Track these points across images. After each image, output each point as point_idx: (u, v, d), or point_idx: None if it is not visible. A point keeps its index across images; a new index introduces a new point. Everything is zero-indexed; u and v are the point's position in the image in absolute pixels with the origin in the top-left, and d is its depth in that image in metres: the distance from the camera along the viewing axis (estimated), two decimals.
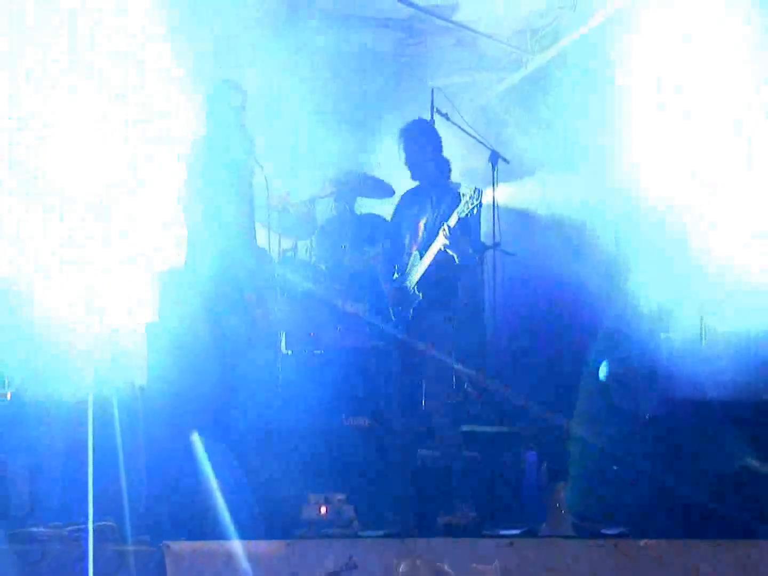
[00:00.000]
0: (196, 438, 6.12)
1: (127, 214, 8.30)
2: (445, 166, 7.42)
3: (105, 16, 8.33)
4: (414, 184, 7.51)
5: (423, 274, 7.16)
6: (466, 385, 7.60)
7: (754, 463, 6.62)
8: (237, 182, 7.24)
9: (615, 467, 6.98)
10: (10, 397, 6.41)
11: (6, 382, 6.69)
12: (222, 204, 7.13)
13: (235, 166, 7.21)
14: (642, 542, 5.89)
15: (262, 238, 7.70)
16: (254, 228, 7.41)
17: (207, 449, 6.06)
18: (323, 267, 8.61)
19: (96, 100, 8.28)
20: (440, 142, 7.44)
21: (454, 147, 7.82)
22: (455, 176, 7.56)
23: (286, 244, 8.70)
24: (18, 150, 8.11)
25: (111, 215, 8.20)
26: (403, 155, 7.37)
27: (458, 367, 7.31)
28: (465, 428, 7.43)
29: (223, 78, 7.73)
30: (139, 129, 8.41)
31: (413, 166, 7.38)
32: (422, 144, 7.34)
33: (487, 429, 7.80)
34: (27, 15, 8.18)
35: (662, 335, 7.97)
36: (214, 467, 5.94)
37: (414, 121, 7.55)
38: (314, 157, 9.71)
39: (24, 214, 8.03)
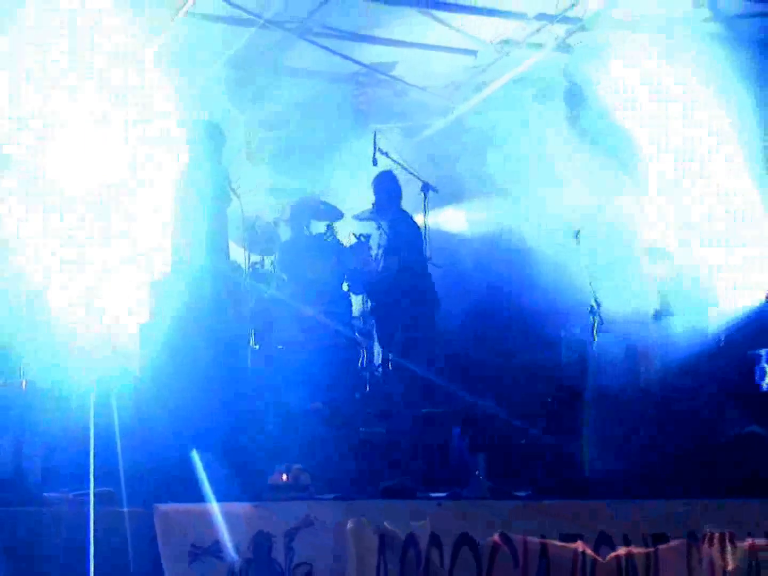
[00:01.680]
0: (181, 419, 6.10)
1: (127, 214, 7.63)
2: (399, 204, 8.27)
3: (105, 16, 7.57)
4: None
5: (372, 287, 8.02)
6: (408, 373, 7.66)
7: (636, 432, 6.77)
8: (214, 207, 7.21)
9: (523, 441, 7.09)
10: (25, 384, 6.32)
11: (21, 371, 6.60)
12: (202, 225, 7.10)
13: (213, 195, 7.19)
14: (545, 503, 5.98)
15: (236, 253, 7.70)
16: (228, 245, 7.40)
17: (190, 428, 6.05)
18: (284, 277, 8.63)
19: (96, 100, 7.53)
20: (400, 190, 8.30)
21: None
22: None
23: (255, 258, 8.71)
24: (18, 150, 7.31)
25: (111, 215, 7.52)
26: (372, 196, 8.27)
27: (401, 360, 7.48)
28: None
29: (202, 120, 7.65)
30: (139, 129, 7.69)
31: (378, 205, 8.27)
32: (386, 190, 8.23)
33: (419, 410, 7.82)
34: (27, 15, 7.40)
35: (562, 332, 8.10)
36: (196, 443, 5.92)
37: (383, 172, 8.37)
38: (277, 187, 9.69)
39: (24, 214, 7.26)
